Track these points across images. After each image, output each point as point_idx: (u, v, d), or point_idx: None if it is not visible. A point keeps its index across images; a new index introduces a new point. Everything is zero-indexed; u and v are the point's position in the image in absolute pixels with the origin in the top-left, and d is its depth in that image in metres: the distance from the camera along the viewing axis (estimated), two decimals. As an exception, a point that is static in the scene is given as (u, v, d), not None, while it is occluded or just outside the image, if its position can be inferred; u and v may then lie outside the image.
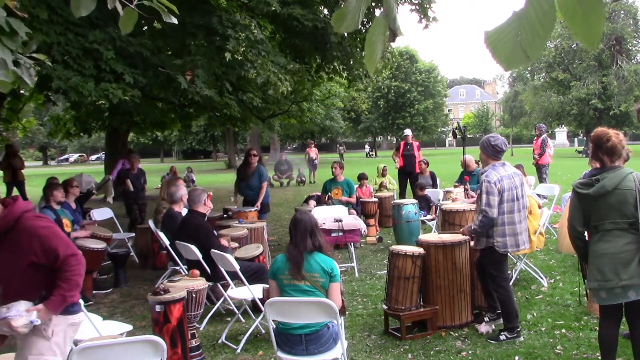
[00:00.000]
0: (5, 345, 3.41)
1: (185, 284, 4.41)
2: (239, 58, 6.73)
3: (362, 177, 9.97)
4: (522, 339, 4.38)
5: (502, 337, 4.38)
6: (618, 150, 3.28)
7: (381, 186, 10.80)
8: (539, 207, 6.35)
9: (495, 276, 4.42)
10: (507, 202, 4.30)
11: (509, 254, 4.68)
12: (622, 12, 35.75)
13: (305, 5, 8.11)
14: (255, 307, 4.93)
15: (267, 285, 3.92)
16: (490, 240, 4.35)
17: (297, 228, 3.54)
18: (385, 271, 5.25)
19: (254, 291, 4.68)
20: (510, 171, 4.42)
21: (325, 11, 9.15)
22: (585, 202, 3.37)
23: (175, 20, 1.95)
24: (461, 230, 4.69)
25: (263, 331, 4.76)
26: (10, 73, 2.22)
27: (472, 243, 4.67)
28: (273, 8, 7.18)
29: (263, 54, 7.15)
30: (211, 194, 6.93)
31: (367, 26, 9.88)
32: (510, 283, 4.68)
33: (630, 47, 37.27)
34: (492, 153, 4.45)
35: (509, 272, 4.95)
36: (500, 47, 1.10)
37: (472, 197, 7.44)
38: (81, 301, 3.78)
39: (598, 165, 3.39)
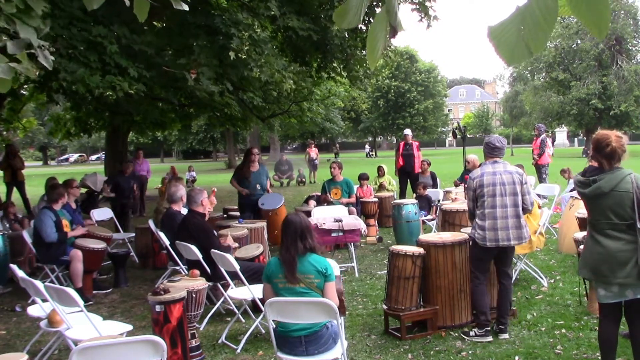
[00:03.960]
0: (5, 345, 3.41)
1: (185, 284, 4.41)
2: (243, 57, 6.71)
3: (362, 177, 9.96)
4: (490, 338, 4.39)
5: (472, 334, 4.46)
6: (618, 154, 3.29)
7: (381, 187, 10.80)
8: (539, 207, 6.35)
9: (471, 270, 4.60)
10: (487, 196, 4.36)
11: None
12: (622, 12, 35.70)
13: (303, 13, 8.07)
14: (255, 307, 4.93)
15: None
16: (473, 232, 4.49)
17: (287, 231, 3.47)
18: (385, 271, 5.25)
19: (254, 291, 4.68)
20: (500, 169, 4.42)
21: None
22: (584, 199, 3.44)
23: (186, 7, 1.93)
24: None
25: (263, 331, 4.76)
26: (11, 69, 2.20)
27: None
28: (272, 12, 7.16)
29: (267, 52, 7.13)
30: (215, 189, 6.93)
31: (368, 26, 9.89)
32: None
33: (630, 47, 37.20)
34: (487, 150, 4.57)
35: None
36: (503, 42, 1.11)
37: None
38: (81, 301, 3.79)
39: (597, 165, 3.41)
